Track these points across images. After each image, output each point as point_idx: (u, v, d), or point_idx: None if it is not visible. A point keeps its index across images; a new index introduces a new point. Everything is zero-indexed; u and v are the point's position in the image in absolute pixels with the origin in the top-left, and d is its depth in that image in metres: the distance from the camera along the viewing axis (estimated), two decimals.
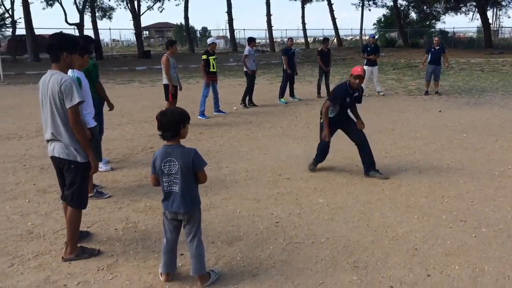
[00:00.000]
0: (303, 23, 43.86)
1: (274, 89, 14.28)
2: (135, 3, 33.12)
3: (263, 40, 48.04)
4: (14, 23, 31.50)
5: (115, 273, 3.46)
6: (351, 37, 57.17)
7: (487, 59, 26.23)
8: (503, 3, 40.93)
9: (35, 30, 29.06)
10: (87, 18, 34.03)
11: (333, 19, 44.53)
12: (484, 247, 3.81)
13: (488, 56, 28.31)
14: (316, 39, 53.45)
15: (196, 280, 3.27)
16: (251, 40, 12.23)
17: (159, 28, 74.31)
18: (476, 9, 38.85)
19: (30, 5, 28.46)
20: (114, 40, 62.02)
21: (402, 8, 46.55)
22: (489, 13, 43.73)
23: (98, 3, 38.23)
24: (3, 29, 36.82)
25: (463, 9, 41.36)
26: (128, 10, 34.04)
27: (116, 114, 10.09)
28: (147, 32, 71.25)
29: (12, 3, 31.58)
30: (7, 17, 34.63)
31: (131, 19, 33.02)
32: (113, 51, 37.56)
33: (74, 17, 45.42)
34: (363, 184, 5.52)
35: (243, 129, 8.94)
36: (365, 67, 13.39)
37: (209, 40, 11.05)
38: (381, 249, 3.81)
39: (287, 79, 12.49)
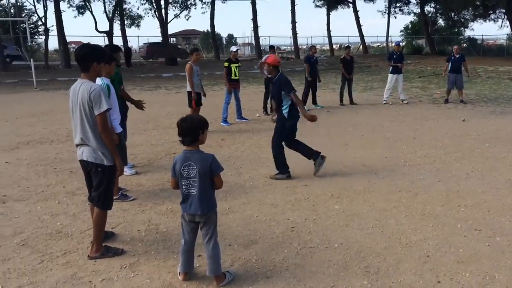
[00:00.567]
0: (328, 30, 43.86)
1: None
2: (163, 11, 33.81)
3: (288, 47, 48.27)
4: (46, 31, 32.63)
5: (137, 271, 3.66)
6: (377, 44, 56.78)
7: None
8: None
9: (66, 37, 30.03)
10: (116, 26, 34.83)
11: (359, 26, 44.36)
12: (497, 255, 3.85)
13: None
14: (342, 46, 53.36)
15: (212, 280, 3.43)
16: (270, 48, 12.42)
17: (186, 35, 75.38)
18: (505, 16, 38.08)
19: (62, 14, 29.42)
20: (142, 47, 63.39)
21: (429, 15, 46.08)
22: None
23: (127, 11, 39.22)
24: (36, 37, 38.14)
25: (492, 16, 40.60)
26: (156, 18, 34.76)
27: (142, 120, 10.43)
28: (174, 39, 72.46)
29: (45, 11, 32.77)
30: (40, 25, 35.92)
31: (159, 26, 33.70)
32: (141, 58, 38.34)
33: (104, 25, 46.69)
34: (380, 192, 5.59)
35: (264, 136, 9.09)
36: (390, 75, 13.41)
37: (232, 48, 11.30)
38: (393, 255, 3.90)
39: (309, 86, 12.60)
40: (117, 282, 3.49)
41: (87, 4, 36.21)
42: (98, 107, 3.59)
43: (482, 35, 44.90)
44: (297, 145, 6.49)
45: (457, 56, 13.01)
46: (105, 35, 33.53)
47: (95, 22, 34.56)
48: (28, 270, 3.68)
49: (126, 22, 38.11)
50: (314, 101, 12.97)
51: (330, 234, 4.36)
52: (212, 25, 36.04)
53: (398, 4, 44.54)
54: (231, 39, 71.56)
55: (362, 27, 44.55)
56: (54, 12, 28.95)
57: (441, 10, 42.82)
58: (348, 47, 14.20)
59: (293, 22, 39.08)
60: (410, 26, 56.50)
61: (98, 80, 5.23)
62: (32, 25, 38.75)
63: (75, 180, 6.12)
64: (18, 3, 35.05)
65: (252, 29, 38.00)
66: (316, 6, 46.90)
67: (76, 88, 3.70)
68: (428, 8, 44.36)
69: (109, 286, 3.44)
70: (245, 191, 5.69)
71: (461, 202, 5.15)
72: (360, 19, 44.69)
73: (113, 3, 35.94)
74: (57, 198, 5.44)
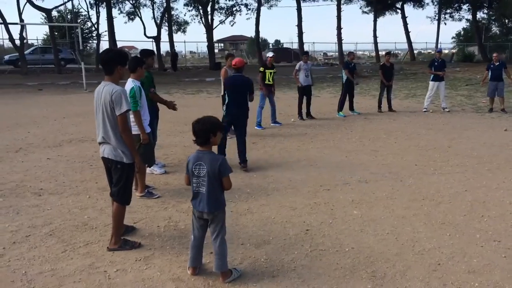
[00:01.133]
0: (375, 36, 43.18)
1: (336, 102, 14.30)
2: (209, 17, 34.54)
3: (333, 53, 47.94)
4: (98, 36, 34.14)
5: (150, 264, 3.85)
6: (429, 51, 55.28)
7: None
8: None
9: (117, 42, 31.33)
10: (163, 31, 35.91)
11: (407, 32, 43.47)
12: None
13: None
14: (392, 52, 52.29)
15: (218, 275, 3.56)
16: (303, 54, 12.44)
17: (234, 41, 76.38)
18: None
19: (114, 20, 30.71)
20: (191, 52, 65.05)
21: (483, 22, 44.47)
22: None
23: (174, 17, 40.31)
24: (90, 41, 39.95)
25: None
26: (202, 24, 35.56)
27: (180, 122, 10.76)
28: (222, 45, 73.61)
29: (98, 17, 34.33)
30: (94, 30, 37.61)
31: (205, 32, 34.44)
32: (187, 63, 39.30)
33: (152, 31, 48.32)
34: (403, 199, 5.53)
35: (295, 140, 9.16)
36: (431, 83, 13.11)
37: (267, 54, 11.41)
38: (403, 262, 3.88)
39: (345, 92, 12.53)
40: (130, 273, 3.68)
41: (137, 10, 37.58)
42: (119, 108, 3.81)
43: None
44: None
45: (497, 64, 12.54)
46: (153, 40, 34.64)
47: (144, 28, 35.64)
48: (51, 258, 3.95)
49: (173, 27, 39.19)
50: (351, 108, 12.87)
51: (343, 238, 4.38)
52: (257, 31, 36.36)
53: (448, 10, 43.28)
54: (278, 44, 71.89)
55: (410, 33, 43.61)
56: (106, 18, 30.26)
57: (494, 16, 41.19)
58: (388, 53, 14.00)
59: (339, 28, 38.79)
60: (462, 32, 54.75)
61: (130, 83, 5.54)
62: (86, 30, 40.68)
63: None
64: (75, 10, 36.85)
65: (297, 35, 38.00)
66: (363, 12, 46.44)
67: (100, 90, 3.95)
68: (481, 15, 42.86)
69: (122, 276, 3.63)
70: (267, 193, 5.79)
71: (485, 212, 5.02)
72: (408, 25, 43.82)
73: (161, 9, 37.13)
74: (88, 193, 5.76)
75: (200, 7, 35.94)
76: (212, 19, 35.02)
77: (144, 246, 4.20)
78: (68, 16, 38.16)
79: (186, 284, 3.53)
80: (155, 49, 34.88)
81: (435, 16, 43.15)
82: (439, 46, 41.41)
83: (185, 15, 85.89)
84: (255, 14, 36.31)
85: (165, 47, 37.49)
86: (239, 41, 76.07)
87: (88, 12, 38.97)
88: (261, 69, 10.73)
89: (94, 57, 34.51)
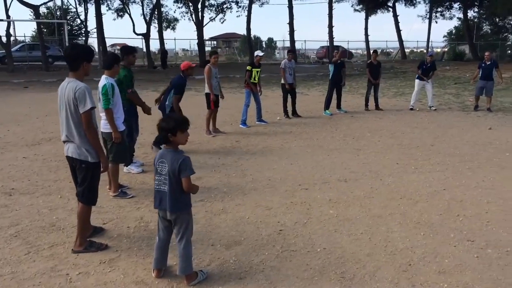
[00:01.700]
0: (366, 35, 43.18)
1: (324, 100, 14.27)
2: (199, 14, 34.34)
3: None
4: (87, 33, 33.82)
5: (114, 266, 3.74)
6: (421, 50, 55.47)
7: None
8: None
9: (106, 39, 31.02)
10: (153, 28, 35.71)
11: (398, 31, 43.52)
12: (483, 268, 3.68)
13: None
14: (384, 50, 52.34)
15: (183, 278, 3.46)
16: (288, 52, 12.32)
17: (227, 39, 76.16)
18: None
19: (102, 16, 30.42)
20: (184, 49, 64.78)
21: (475, 20, 44.62)
22: None
23: (164, 14, 40.01)
24: (79, 38, 39.59)
25: None
26: (192, 22, 35.36)
27: None
28: (215, 42, 73.32)
29: (86, 14, 34.05)
30: (82, 28, 37.29)
31: (195, 29, 34.25)
32: (178, 61, 39.07)
33: (142, 28, 47.92)
34: (380, 198, 5.46)
35: (279, 139, 9.07)
36: (417, 80, 13.09)
37: (257, 53, 11.19)
38: (374, 263, 3.80)
39: (332, 90, 12.44)
40: (92, 276, 3.58)
41: (126, 7, 37.25)
42: (83, 105, 3.70)
43: None
44: None
45: (488, 63, 12.53)
46: (143, 37, 34.37)
47: (133, 25, 35.39)
48: (13, 260, 3.83)
49: (162, 25, 38.94)
50: (339, 106, 12.80)
51: (316, 239, 4.30)
52: (248, 28, 36.19)
53: (439, 9, 43.39)
54: (270, 42, 71.76)
55: (401, 32, 43.69)
56: (95, 15, 29.98)
57: (485, 15, 41.35)
58: (375, 51, 13.93)
59: (330, 26, 38.73)
60: (454, 31, 54.91)
61: (103, 80, 5.43)
62: (76, 27, 40.32)
63: None
64: (64, 6, 36.51)
65: (289, 32, 37.93)
66: (355, 10, 46.43)
67: (63, 86, 3.83)
68: (472, 13, 43.01)
69: (84, 280, 3.53)
70: (244, 193, 5.70)
71: (461, 212, 4.96)
72: (400, 23, 43.89)
73: (151, 6, 36.84)
74: (60, 193, 5.63)
75: (190, 4, 35.71)
76: (202, 16, 34.82)
77: (111, 247, 4.09)
78: (58, 13, 37.79)
79: (149, 287, 3.43)
80: (144, 47, 34.65)
81: (426, 14, 43.21)
82: (430, 45, 41.58)
83: (174, 12, 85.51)
84: (246, 12, 36.18)
85: (155, 44, 37.27)
86: (232, 38, 75.87)
87: (76, 8, 38.69)
88: (249, 67, 10.60)
89: None
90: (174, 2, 38.20)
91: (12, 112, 12.24)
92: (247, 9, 36.33)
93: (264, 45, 68.02)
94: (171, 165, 3.27)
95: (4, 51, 27.98)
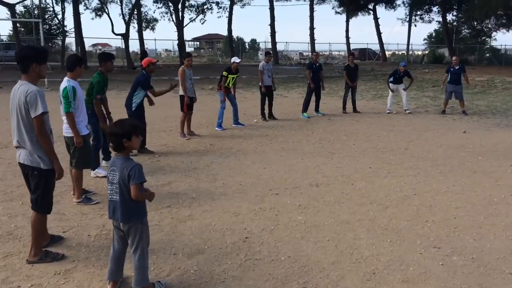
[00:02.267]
0: (347, 37, 43.45)
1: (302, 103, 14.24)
2: (180, 14, 34.08)
3: (306, 53, 48.03)
4: (64, 33, 33.26)
5: (69, 278, 3.59)
6: (402, 52, 56.02)
7: None
8: None
9: (84, 39, 30.58)
10: (132, 29, 35.29)
11: (379, 34, 43.90)
12: (447, 276, 3.64)
13: None
14: (355, 53, 52.57)
15: None
16: (265, 55, 12.23)
17: (210, 40, 75.88)
18: None
19: (81, 16, 29.97)
20: (167, 50, 64.34)
21: (454, 24, 45.24)
22: None
23: (143, 14, 39.60)
24: (58, 38, 38.93)
25: None
26: (172, 22, 35.06)
27: None
28: (198, 43, 72.96)
29: (63, 13, 33.49)
30: (59, 28, 36.66)
31: (175, 30, 33.98)
32: (158, 61, 38.72)
33: (121, 28, 47.17)
34: (350, 203, 5.40)
35: (254, 142, 8.98)
36: (391, 85, 13.14)
37: (233, 59, 10.97)
38: (338, 271, 3.73)
39: (310, 93, 12.40)
40: None
41: (104, 6, 36.70)
42: (34, 109, 3.54)
43: (505, 45, 43.80)
44: None
45: (457, 67, 12.65)
46: (122, 37, 33.94)
47: (112, 25, 34.70)
48: None
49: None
50: (317, 109, 12.76)
51: (282, 246, 4.21)
52: (230, 29, 36.12)
53: (418, 12, 43.90)
54: (254, 43, 71.76)
55: (382, 34, 44.07)
56: (73, 14, 29.51)
57: (463, 19, 41.98)
58: (352, 54, 13.96)
59: (311, 28, 38.90)
60: (434, 34, 55.59)
61: (65, 82, 5.25)
62: (54, 27, 39.64)
63: None
64: (42, 5, 35.82)
65: (270, 34, 37.93)
66: (336, 12, 46.69)
67: (15, 90, 3.67)
68: (451, 17, 43.63)
69: None
70: (213, 198, 5.58)
71: (429, 217, 4.92)
72: (380, 26, 44.27)
73: (130, 6, 36.40)
74: (22, 199, 5.43)
75: (170, 4, 35.40)
76: (182, 17, 34.56)
77: (68, 257, 3.94)
78: (36, 12, 37.11)
79: None
80: (123, 47, 34.21)
81: (406, 17, 43.66)
82: (410, 48, 42.00)
83: (154, 12, 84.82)
84: (227, 13, 36.05)
85: (134, 45, 36.85)
86: (215, 39, 75.65)
87: (53, 7, 37.97)
88: (225, 73, 10.36)
89: (61, 54, 33.57)
90: (154, 2, 37.80)
91: None
92: (228, 10, 36.22)
93: (247, 47, 68.03)
94: (121, 173, 3.14)
95: None
